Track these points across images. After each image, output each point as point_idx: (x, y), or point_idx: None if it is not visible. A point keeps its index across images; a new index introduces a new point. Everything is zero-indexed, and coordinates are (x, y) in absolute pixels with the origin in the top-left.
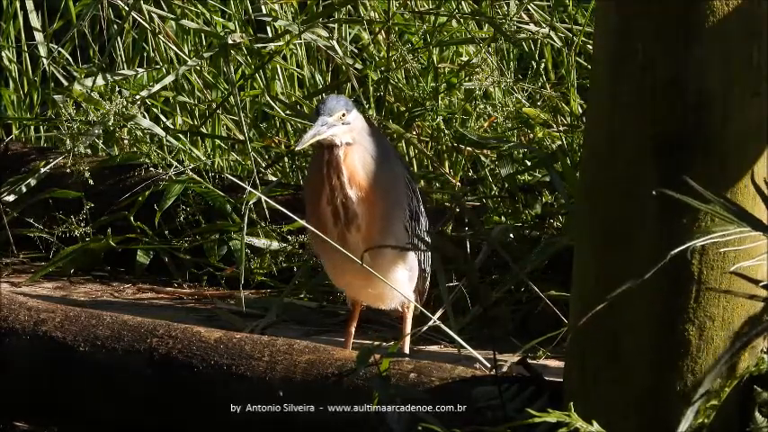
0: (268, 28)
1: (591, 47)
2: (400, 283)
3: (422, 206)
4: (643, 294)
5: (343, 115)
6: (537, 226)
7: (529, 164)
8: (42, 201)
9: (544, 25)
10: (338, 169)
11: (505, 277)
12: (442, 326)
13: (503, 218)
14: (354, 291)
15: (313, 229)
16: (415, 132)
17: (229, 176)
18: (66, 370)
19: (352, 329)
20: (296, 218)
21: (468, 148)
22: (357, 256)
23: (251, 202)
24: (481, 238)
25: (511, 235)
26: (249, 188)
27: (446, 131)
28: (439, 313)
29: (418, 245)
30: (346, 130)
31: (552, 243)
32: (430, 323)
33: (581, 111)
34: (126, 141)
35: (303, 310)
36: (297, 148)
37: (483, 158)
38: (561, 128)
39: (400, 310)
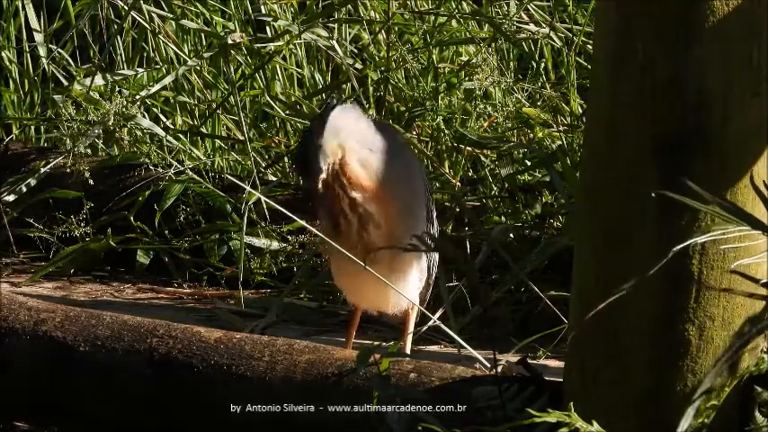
0: (268, 28)
1: (591, 47)
2: (411, 287)
3: (434, 210)
4: (643, 294)
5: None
6: (537, 226)
7: (529, 164)
8: (42, 201)
9: (544, 25)
10: (338, 175)
11: (505, 277)
12: (442, 326)
13: (503, 218)
14: (360, 295)
15: (324, 236)
16: (415, 132)
17: (229, 176)
18: (67, 370)
19: (353, 330)
20: (296, 218)
21: (468, 148)
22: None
23: (251, 202)
24: (481, 238)
25: (511, 235)
26: (249, 188)
27: (446, 131)
28: (439, 313)
29: (419, 245)
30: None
31: (552, 243)
32: (430, 323)
33: (581, 111)
34: (126, 141)
35: (303, 310)
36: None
37: (483, 158)
38: (561, 128)
39: (401, 315)
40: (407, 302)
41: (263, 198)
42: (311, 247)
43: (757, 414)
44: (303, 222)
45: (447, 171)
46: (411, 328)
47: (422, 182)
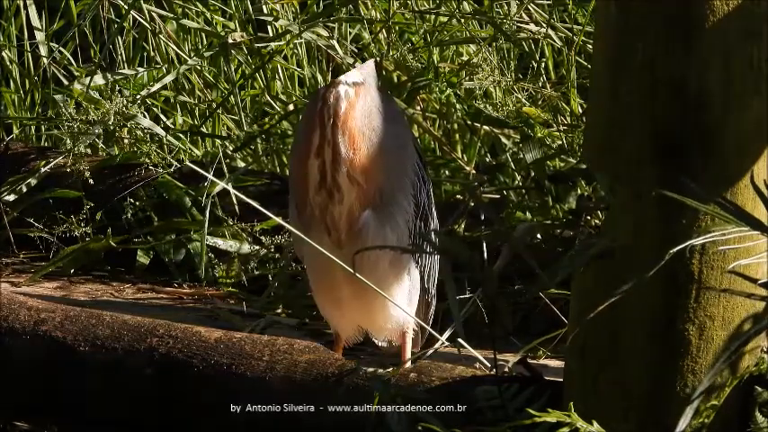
0: (269, 27)
1: (591, 46)
2: (401, 298)
3: (433, 206)
4: (642, 294)
5: None
6: (571, 224)
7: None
8: (42, 200)
9: (544, 25)
10: (336, 106)
11: (531, 288)
12: (453, 347)
13: (528, 214)
14: (342, 313)
15: (293, 229)
16: (419, 107)
17: (188, 163)
18: (67, 370)
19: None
20: (270, 215)
21: (484, 127)
22: (348, 256)
23: (213, 193)
24: (501, 238)
25: (538, 235)
26: (210, 176)
27: (458, 107)
28: (447, 333)
29: (422, 247)
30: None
31: (589, 245)
32: (437, 345)
33: (581, 110)
34: (126, 141)
35: (280, 328)
36: None
37: (504, 140)
38: (561, 127)
39: (396, 341)
40: (399, 322)
41: (231, 190)
42: (290, 250)
43: (757, 414)
44: (279, 220)
45: (459, 155)
46: (408, 352)
47: (412, 163)
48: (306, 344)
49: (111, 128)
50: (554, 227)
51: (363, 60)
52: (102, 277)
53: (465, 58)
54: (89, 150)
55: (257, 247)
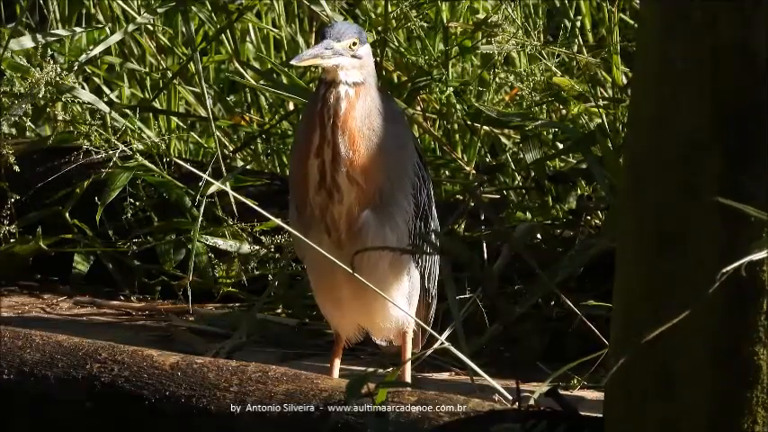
0: None
1: (638, 0)
2: (400, 298)
3: (433, 206)
4: (701, 310)
5: (354, 44)
6: (571, 224)
7: (561, 147)
8: None
9: None
10: (336, 106)
11: (531, 288)
12: (452, 348)
13: (528, 214)
14: (342, 313)
15: (293, 230)
16: (419, 108)
17: (181, 162)
18: None
19: (338, 360)
20: (269, 216)
21: (485, 128)
22: (348, 256)
23: (210, 191)
24: (501, 238)
25: (538, 235)
26: (206, 177)
27: (458, 106)
28: (447, 332)
29: (422, 248)
30: (356, 65)
31: (589, 245)
32: (436, 345)
33: (626, 81)
34: (60, 119)
35: (280, 329)
36: (293, 63)
37: (504, 140)
38: (601, 102)
39: (396, 341)
40: (399, 322)
41: (229, 191)
42: (290, 250)
43: None
44: (278, 221)
45: (459, 155)
46: (409, 352)
47: (412, 164)
48: (283, 371)
49: (42, 102)
50: (554, 227)
51: (355, 19)
52: (30, 288)
53: (481, 15)
54: (14, 131)
55: (257, 247)
